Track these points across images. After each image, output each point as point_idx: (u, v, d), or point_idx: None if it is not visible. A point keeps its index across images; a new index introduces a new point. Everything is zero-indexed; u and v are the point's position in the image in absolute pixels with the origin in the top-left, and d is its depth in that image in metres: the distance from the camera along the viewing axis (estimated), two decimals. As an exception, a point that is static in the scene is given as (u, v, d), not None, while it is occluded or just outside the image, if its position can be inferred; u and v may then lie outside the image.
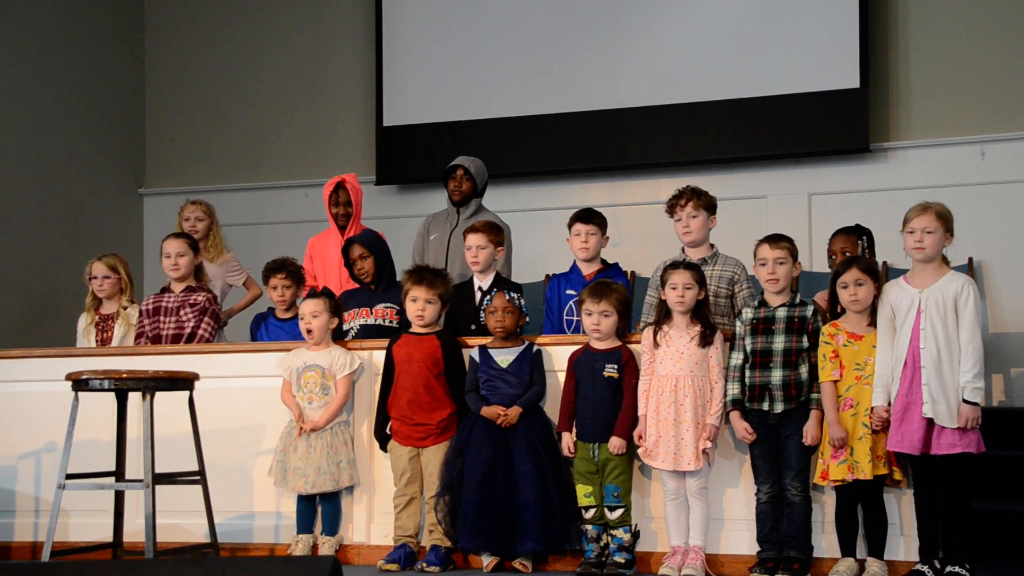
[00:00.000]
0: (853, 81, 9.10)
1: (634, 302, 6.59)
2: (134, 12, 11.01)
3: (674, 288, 5.93)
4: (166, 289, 7.28)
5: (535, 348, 6.21)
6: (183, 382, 5.97)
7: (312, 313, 6.45)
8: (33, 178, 9.72)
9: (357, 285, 7.07)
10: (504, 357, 6.16)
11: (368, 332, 6.81)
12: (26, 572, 3.46)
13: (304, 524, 6.39)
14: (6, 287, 9.34)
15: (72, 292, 7.79)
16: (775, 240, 5.93)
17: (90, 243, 9.61)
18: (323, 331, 6.48)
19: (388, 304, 6.85)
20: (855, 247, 6.57)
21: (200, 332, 7.09)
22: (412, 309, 6.36)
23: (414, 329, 6.38)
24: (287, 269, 7.18)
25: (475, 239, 6.76)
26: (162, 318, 7.14)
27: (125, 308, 7.43)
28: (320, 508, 6.40)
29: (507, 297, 6.22)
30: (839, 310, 5.80)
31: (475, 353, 6.23)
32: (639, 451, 5.91)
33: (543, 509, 5.93)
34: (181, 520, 6.41)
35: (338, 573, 3.44)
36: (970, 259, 8.57)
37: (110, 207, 10.63)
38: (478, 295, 6.67)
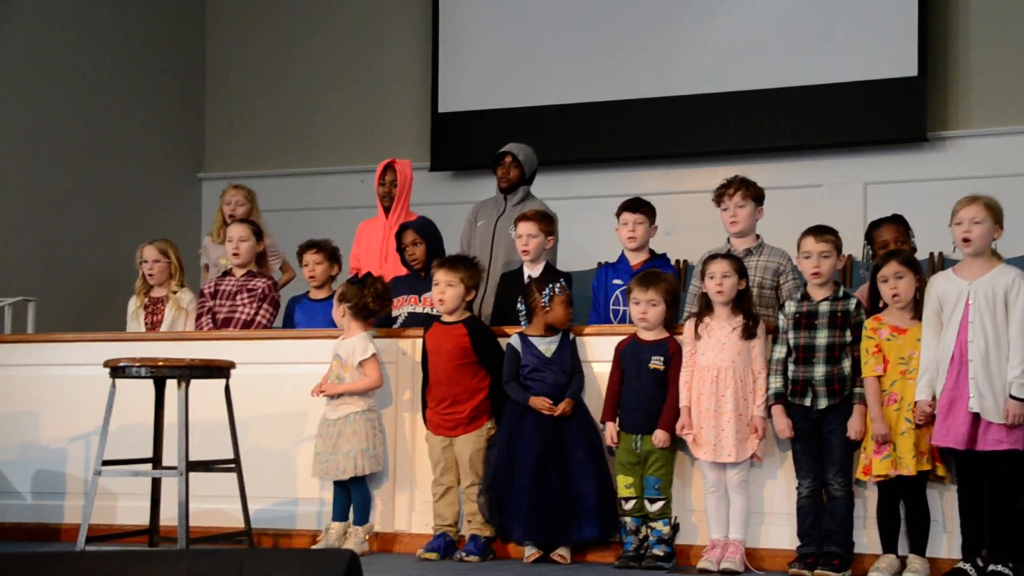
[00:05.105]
0: (911, 69, 8.94)
1: (684, 290, 6.55)
2: (195, -2, 11.11)
3: (712, 277, 5.86)
4: (228, 273, 7.34)
5: (571, 336, 6.17)
6: (219, 370, 5.99)
7: (338, 311, 6.47)
8: (93, 163, 9.81)
9: (403, 270, 7.06)
10: (547, 346, 6.10)
11: (416, 320, 6.79)
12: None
13: (339, 511, 6.38)
14: (66, 270, 9.43)
15: (130, 276, 7.85)
16: (820, 232, 5.83)
17: (149, 227, 9.66)
18: (344, 322, 6.46)
19: (436, 293, 6.81)
20: (906, 237, 6.30)
21: (258, 319, 7.13)
22: (434, 294, 6.32)
23: (442, 317, 6.34)
24: (319, 245, 7.15)
25: (527, 227, 6.70)
26: (219, 301, 7.20)
27: (175, 292, 7.50)
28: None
29: (568, 288, 6.21)
30: (880, 304, 5.70)
31: (515, 341, 6.15)
32: (689, 440, 5.85)
33: (604, 496, 5.92)
34: (222, 505, 6.39)
35: (356, 568, 3.41)
36: (1027, 251, 8.41)
37: (169, 191, 10.70)
38: (529, 284, 6.62)
